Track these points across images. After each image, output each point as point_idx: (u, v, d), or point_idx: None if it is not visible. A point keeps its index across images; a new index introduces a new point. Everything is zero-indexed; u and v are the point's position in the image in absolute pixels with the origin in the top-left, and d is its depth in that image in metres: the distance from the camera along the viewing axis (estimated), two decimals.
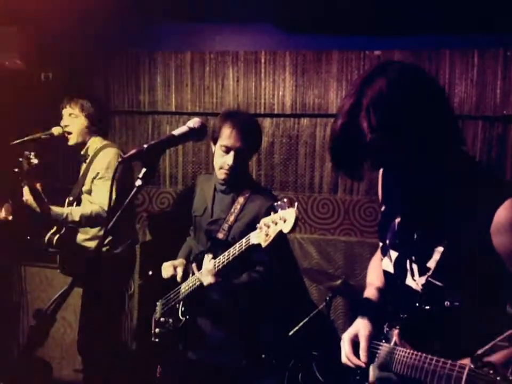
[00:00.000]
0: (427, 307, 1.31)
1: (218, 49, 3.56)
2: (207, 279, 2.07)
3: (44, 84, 3.68)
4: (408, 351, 1.30)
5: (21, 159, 2.57)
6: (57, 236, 2.83)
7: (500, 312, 1.24)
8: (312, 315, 3.03)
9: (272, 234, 1.78)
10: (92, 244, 2.88)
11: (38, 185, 2.63)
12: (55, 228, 2.87)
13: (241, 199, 2.24)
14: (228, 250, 2.01)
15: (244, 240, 1.94)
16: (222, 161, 2.18)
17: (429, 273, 1.31)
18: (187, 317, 2.26)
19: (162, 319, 2.36)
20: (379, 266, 1.58)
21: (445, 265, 1.28)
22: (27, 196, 2.62)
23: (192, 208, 2.48)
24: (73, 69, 3.65)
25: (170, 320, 2.32)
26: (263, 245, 1.82)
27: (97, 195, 2.79)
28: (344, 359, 1.52)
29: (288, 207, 1.75)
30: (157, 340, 2.37)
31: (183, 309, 2.29)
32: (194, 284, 2.20)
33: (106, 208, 2.69)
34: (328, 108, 3.44)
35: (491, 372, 1.03)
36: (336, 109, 3.39)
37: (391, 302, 1.49)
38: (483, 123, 3.25)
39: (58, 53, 3.62)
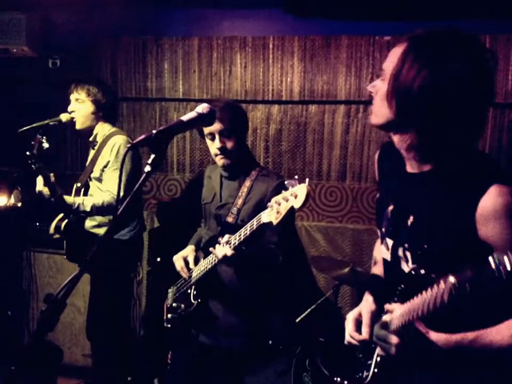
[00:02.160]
0: (422, 271, 1.30)
1: (225, 35, 3.53)
2: (224, 251, 2.03)
3: (51, 71, 3.68)
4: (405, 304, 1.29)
5: (32, 142, 2.59)
6: (65, 221, 2.84)
7: None
8: (319, 302, 3.03)
9: (283, 211, 1.76)
10: (100, 231, 2.89)
11: (51, 176, 2.65)
12: (61, 215, 2.88)
13: (247, 182, 2.26)
14: (239, 231, 2.01)
15: (255, 219, 1.93)
16: (213, 148, 2.24)
17: (422, 261, 1.30)
18: (198, 300, 2.28)
19: (174, 304, 2.38)
20: (380, 255, 1.58)
21: (430, 253, 1.26)
22: (40, 187, 2.64)
23: (201, 198, 2.51)
24: (81, 56, 3.65)
25: (182, 305, 2.34)
26: (274, 222, 1.80)
27: (108, 184, 2.79)
28: (347, 338, 1.52)
29: (299, 184, 1.74)
30: (169, 326, 2.39)
31: (194, 292, 2.31)
32: (206, 267, 2.22)
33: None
34: (337, 95, 3.41)
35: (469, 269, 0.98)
36: (345, 96, 3.39)
37: (390, 288, 1.49)
38: (494, 110, 3.21)
39: (65, 39, 3.60)
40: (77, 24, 3.53)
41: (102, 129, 2.93)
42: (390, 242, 1.45)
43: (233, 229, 2.12)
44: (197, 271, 2.29)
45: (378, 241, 1.73)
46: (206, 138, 2.28)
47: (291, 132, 3.54)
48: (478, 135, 1.26)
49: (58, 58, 3.65)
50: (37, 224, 3.52)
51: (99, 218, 2.89)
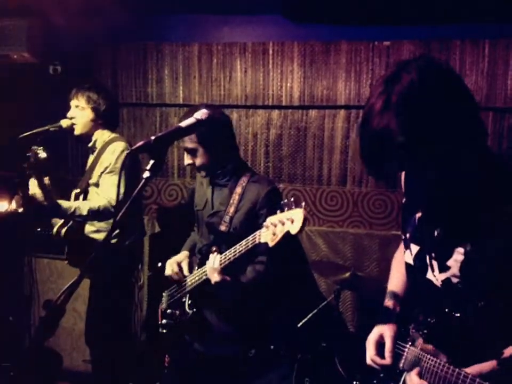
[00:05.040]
0: (457, 314, 1.30)
1: (226, 41, 3.54)
2: (214, 277, 2.08)
3: (52, 77, 3.69)
4: (435, 360, 1.30)
5: (28, 154, 2.58)
6: (65, 228, 2.84)
7: None
8: (320, 307, 3.03)
9: (280, 234, 1.78)
10: (99, 236, 2.89)
11: (46, 179, 2.64)
12: (62, 220, 2.89)
13: (238, 189, 2.25)
14: (234, 247, 2.03)
15: (250, 238, 1.95)
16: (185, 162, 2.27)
17: (449, 272, 1.30)
18: (194, 310, 2.28)
19: (169, 310, 2.38)
20: (401, 263, 1.57)
21: (466, 268, 1.25)
22: (34, 189, 2.63)
23: (193, 204, 2.51)
24: (82, 62, 3.66)
25: (177, 312, 2.33)
26: (270, 244, 1.82)
27: (105, 189, 2.79)
28: (368, 361, 1.53)
29: (296, 207, 1.74)
30: (164, 331, 2.39)
31: (189, 302, 2.30)
32: (201, 277, 2.21)
33: (114, 203, 2.71)
34: (337, 99, 3.41)
35: None
36: (345, 100, 3.40)
37: (414, 299, 1.49)
38: (493, 114, 3.21)
39: (66, 45, 3.62)
40: (78, 30, 3.53)
41: (101, 135, 2.94)
42: (415, 248, 1.44)
43: (226, 237, 2.13)
44: (192, 280, 2.29)
45: (399, 251, 1.71)
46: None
47: (291, 136, 3.54)
48: (480, 139, 1.22)
49: (59, 65, 3.67)
50: (38, 229, 3.53)
51: (97, 224, 2.90)
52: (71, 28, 3.52)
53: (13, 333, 3.56)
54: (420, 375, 1.35)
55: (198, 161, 2.22)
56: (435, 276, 1.35)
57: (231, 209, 2.22)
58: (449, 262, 1.29)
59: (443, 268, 1.31)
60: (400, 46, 3.27)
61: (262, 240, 1.87)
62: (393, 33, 3.26)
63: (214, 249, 2.15)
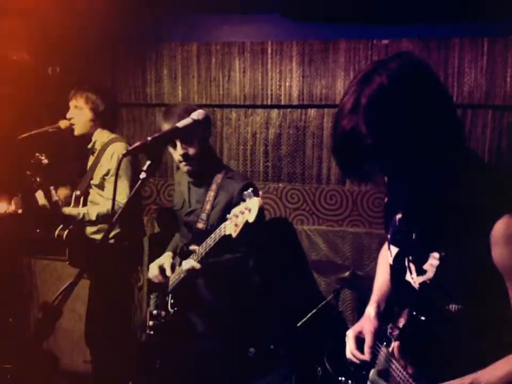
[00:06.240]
0: (423, 318, 1.29)
1: (224, 40, 3.54)
2: (187, 264, 2.12)
3: (51, 78, 3.69)
4: (401, 370, 1.28)
5: (32, 161, 2.60)
6: (67, 231, 2.85)
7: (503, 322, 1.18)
8: (320, 306, 3.03)
9: (240, 224, 1.82)
10: (100, 237, 2.90)
11: (51, 189, 2.67)
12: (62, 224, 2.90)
13: (213, 186, 2.26)
14: (205, 241, 2.07)
15: (217, 231, 2.00)
16: (176, 155, 2.25)
17: (425, 276, 1.29)
18: (175, 309, 2.30)
19: (155, 311, 2.40)
20: (386, 262, 1.56)
21: (441, 274, 1.25)
22: (42, 201, 2.67)
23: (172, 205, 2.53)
24: (80, 62, 3.66)
25: (163, 312, 2.35)
26: (234, 235, 1.86)
27: (112, 192, 2.80)
28: (348, 355, 1.52)
29: (254, 196, 1.77)
30: (151, 332, 2.41)
31: (172, 301, 2.32)
32: (180, 276, 2.23)
33: (121, 205, 2.72)
34: (336, 98, 3.40)
35: None
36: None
37: (397, 298, 1.48)
38: (493, 112, 3.21)
39: (65, 46, 3.62)
40: (77, 31, 3.54)
41: (101, 136, 2.94)
42: (394, 250, 1.44)
43: (203, 235, 2.15)
44: (172, 279, 2.31)
45: (385, 246, 1.72)
46: (169, 145, 2.27)
47: (290, 136, 3.54)
48: (456, 142, 1.19)
49: (58, 66, 3.67)
50: (38, 230, 3.52)
51: (99, 225, 2.90)
52: (71, 29, 3.52)
53: (12, 334, 3.56)
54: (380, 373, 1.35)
55: (193, 150, 2.22)
56: (413, 279, 1.34)
57: (207, 207, 2.23)
58: (426, 266, 1.28)
59: (420, 272, 1.31)
60: (399, 44, 3.26)
61: (227, 232, 1.91)
62: (392, 32, 3.25)
63: (193, 247, 2.17)
